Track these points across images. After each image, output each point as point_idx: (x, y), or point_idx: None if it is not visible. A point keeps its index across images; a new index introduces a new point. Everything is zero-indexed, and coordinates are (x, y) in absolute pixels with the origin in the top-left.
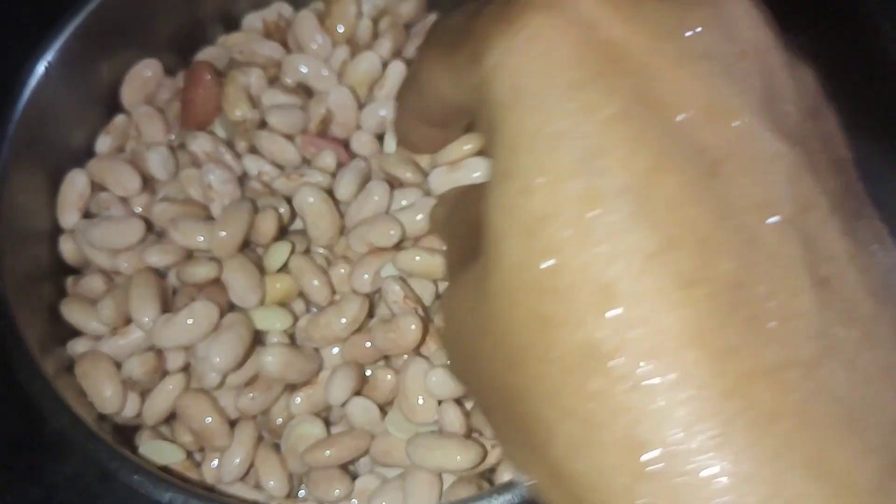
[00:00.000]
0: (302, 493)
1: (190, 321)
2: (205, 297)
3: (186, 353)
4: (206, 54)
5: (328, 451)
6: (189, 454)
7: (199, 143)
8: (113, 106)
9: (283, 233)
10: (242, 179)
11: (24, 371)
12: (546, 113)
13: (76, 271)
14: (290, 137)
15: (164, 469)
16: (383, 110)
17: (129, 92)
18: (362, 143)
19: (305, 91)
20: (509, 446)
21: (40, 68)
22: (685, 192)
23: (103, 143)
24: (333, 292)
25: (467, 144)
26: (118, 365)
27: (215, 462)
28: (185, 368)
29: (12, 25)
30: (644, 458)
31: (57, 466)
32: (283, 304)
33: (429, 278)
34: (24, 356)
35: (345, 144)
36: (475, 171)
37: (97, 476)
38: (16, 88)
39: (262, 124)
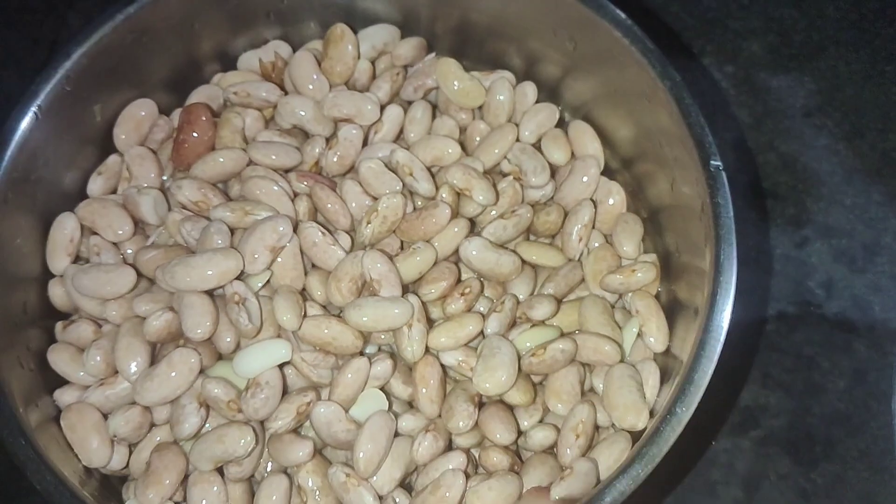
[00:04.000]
0: None
1: (171, 375)
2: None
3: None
4: (201, 94)
5: None
6: None
7: (185, 192)
8: (107, 146)
9: None
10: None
11: (7, 430)
12: None
13: (66, 315)
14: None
15: None
16: (380, 153)
17: (123, 132)
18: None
19: (301, 132)
20: None
21: (30, 112)
22: None
23: (95, 184)
24: None
25: None
26: (105, 416)
27: None
28: None
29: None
30: None
31: None
32: None
33: None
34: (7, 412)
35: (332, 186)
36: None
37: None
38: (5, 133)
39: None
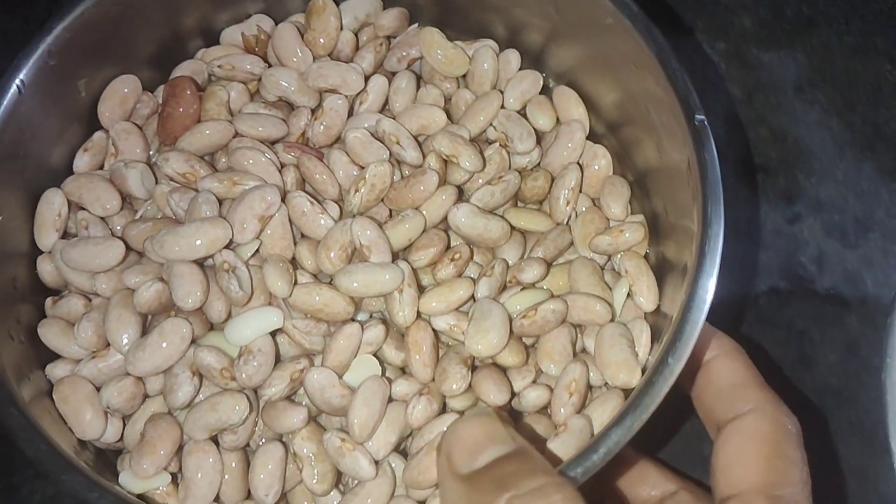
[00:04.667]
0: None
1: (162, 345)
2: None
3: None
4: (185, 68)
5: None
6: (174, 477)
7: (172, 164)
8: (91, 122)
9: None
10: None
11: None
12: None
13: (55, 292)
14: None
15: (143, 497)
16: (366, 123)
17: (108, 108)
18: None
19: (286, 105)
20: None
21: (13, 86)
22: None
23: (81, 161)
24: None
25: None
26: (98, 389)
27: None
28: None
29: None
30: None
31: (36, 485)
32: None
33: None
34: None
35: (320, 156)
36: None
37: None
38: None
39: None
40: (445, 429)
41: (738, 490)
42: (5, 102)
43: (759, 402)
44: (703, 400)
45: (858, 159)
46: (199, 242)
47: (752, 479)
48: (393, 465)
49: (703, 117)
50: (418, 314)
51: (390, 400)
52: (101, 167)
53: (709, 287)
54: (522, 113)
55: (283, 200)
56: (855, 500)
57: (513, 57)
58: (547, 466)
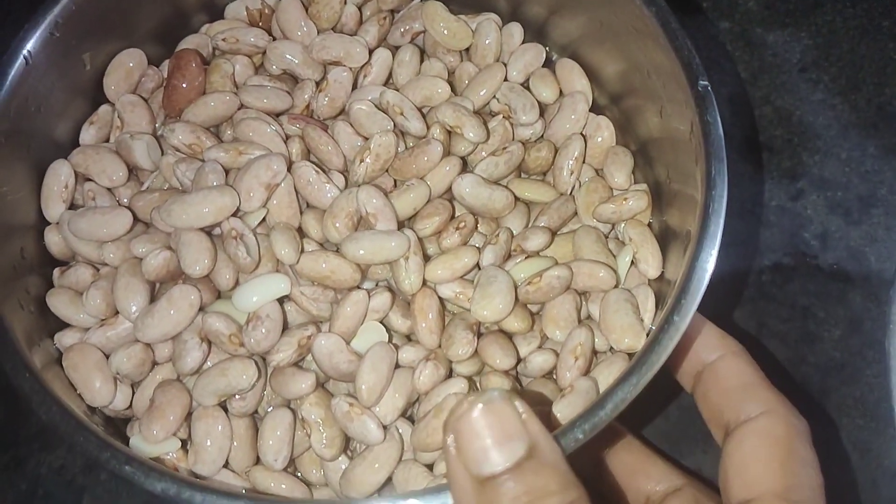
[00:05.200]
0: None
1: (171, 312)
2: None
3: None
4: (189, 42)
5: None
6: (183, 443)
7: (178, 135)
8: (97, 97)
9: None
10: None
11: (11, 363)
12: None
13: (63, 263)
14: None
15: (156, 460)
16: (370, 95)
17: (113, 82)
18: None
19: (291, 78)
20: None
21: (20, 57)
22: None
23: (87, 134)
24: None
25: None
26: (106, 356)
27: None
28: None
29: (6, 20)
30: None
31: (42, 458)
32: None
33: None
34: (11, 348)
35: (324, 128)
36: None
37: (82, 468)
38: None
39: None
40: (455, 408)
41: (754, 493)
42: (13, 73)
43: (771, 403)
44: (710, 400)
45: (862, 138)
46: (206, 210)
47: (769, 483)
48: (400, 430)
49: (706, 83)
50: (424, 282)
51: (397, 366)
52: (107, 140)
53: (714, 247)
54: (526, 85)
55: (288, 170)
56: (859, 473)
57: (516, 30)
58: (560, 471)
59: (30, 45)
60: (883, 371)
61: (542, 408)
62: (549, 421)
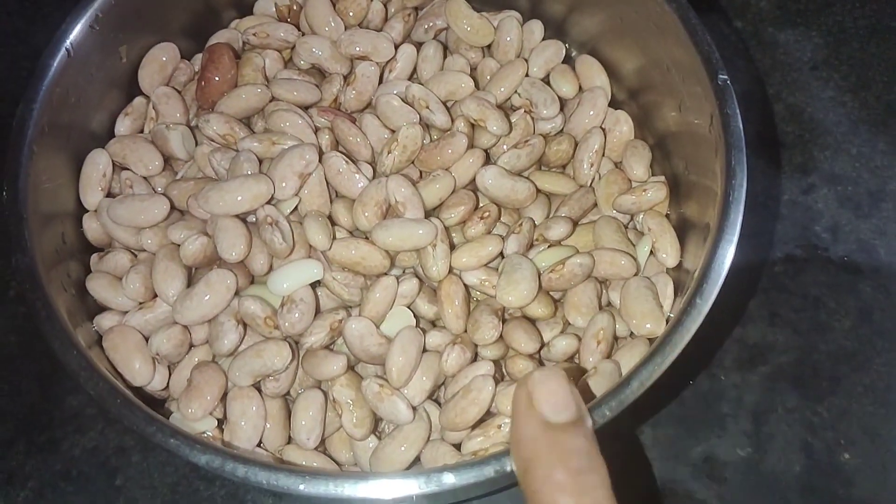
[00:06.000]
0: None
1: (208, 296)
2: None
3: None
4: (220, 37)
5: None
6: (219, 422)
7: (213, 126)
8: (131, 89)
9: None
10: None
11: (59, 342)
12: None
13: (99, 249)
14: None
15: None
16: (396, 89)
17: (148, 75)
18: (371, 126)
19: (318, 72)
20: None
21: (62, 50)
22: None
23: (123, 125)
24: None
25: None
26: (145, 338)
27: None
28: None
29: (37, 16)
30: None
31: (76, 439)
32: None
33: None
34: (58, 328)
35: (352, 119)
36: None
37: (115, 449)
38: (38, 71)
39: None
40: (530, 374)
41: None
42: (55, 64)
43: None
44: None
45: (872, 135)
46: (241, 198)
47: None
48: (427, 411)
49: (725, 76)
50: (450, 269)
51: (424, 350)
52: (141, 131)
53: (734, 234)
54: (546, 81)
55: (319, 160)
56: (868, 458)
57: (536, 27)
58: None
59: (71, 38)
60: (893, 360)
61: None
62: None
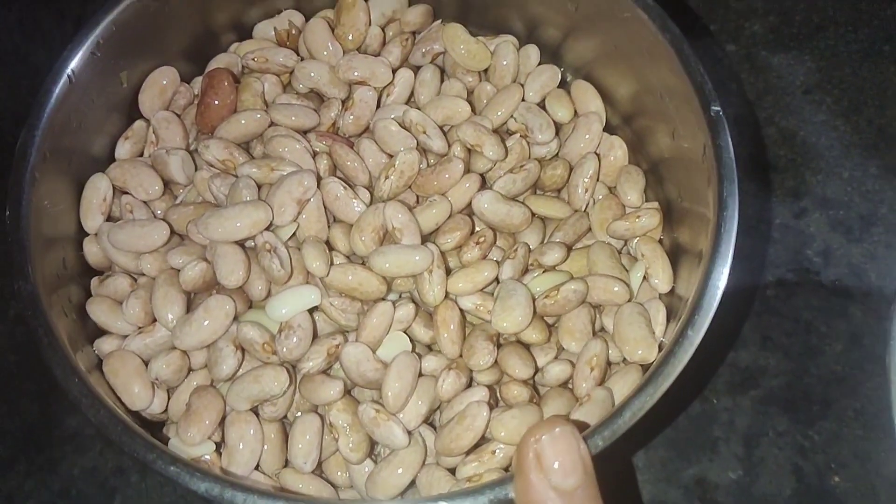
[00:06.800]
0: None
1: (207, 321)
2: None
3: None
4: (219, 61)
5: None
6: (217, 446)
7: (212, 151)
8: (131, 113)
9: None
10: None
11: (61, 369)
12: None
13: (100, 272)
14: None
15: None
16: (394, 113)
17: (148, 98)
18: (368, 151)
19: (317, 96)
20: None
21: (64, 77)
22: None
23: (123, 148)
24: None
25: None
26: (145, 362)
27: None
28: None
29: (36, 35)
30: None
31: (75, 459)
32: None
33: None
34: (59, 354)
35: (350, 144)
36: None
37: (114, 469)
38: (40, 97)
39: None
40: (535, 430)
41: None
42: (57, 91)
43: None
44: None
45: (864, 159)
46: (240, 224)
47: None
48: (423, 435)
49: (718, 108)
50: (446, 294)
51: (420, 375)
52: (141, 155)
53: (726, 265)
54: (542, 105)
55: (317, 186)
56: (858, 482)
57: (532, 52)
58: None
59: (73, 65)
60: (883, 384)
61: (559, 415)
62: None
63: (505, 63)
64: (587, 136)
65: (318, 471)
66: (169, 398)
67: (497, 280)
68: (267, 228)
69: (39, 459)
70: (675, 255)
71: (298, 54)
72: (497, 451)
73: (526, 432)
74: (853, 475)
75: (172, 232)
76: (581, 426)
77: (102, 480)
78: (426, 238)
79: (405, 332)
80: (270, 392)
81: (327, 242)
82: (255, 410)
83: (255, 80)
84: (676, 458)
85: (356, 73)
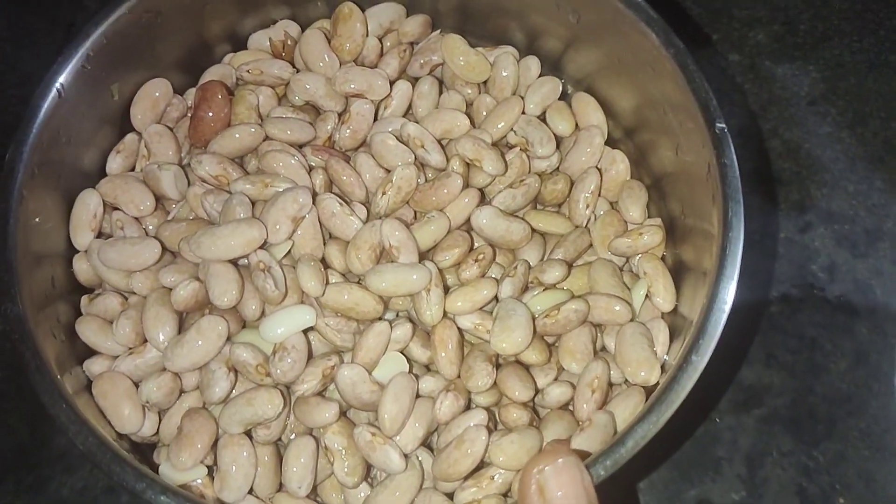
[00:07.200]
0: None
1: (199, 343)
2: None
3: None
4: (214, 73)
5: None
6: (209, 470)
7: (205, 166)
8: (123, 125)
9: None
10: None
11: (48, 395)
12: None
13: (90, 290)
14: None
15: (183, 487)
16: (391, 127)
17: (140, 111)
18: (365, 165)
19: (313, 109)
20: None
21: (53, 91)
22: None
23: (115, 162)
24: None
25: None
26: (135, 384)
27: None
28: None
29: (26, 42)
30: None
31: (65, 479)
32: None
33: None
34: (47, 378)
35: (346, 158)
36: None
37: (103, 489)
38: (29, 112)
39: None
40: (538, 460)
41: None
42: (45, 105)
43: None
44: None
45: (869, 172)
46: (234, 243)
47: None
48: (420, 458)
49: (723, 125)
50: (444, 313)
51: (417, 396)
52: (133, 168)
53: (731, 288)
54: (542, 118)
55: (312, 202)
56: (863, 501)
57: (533, 63)
58: None
59: (62, 79)
60: (889, 404)
61: (559, 439)
62: None
63: (505, 75)
64: (588, 150)
65: (314, 495)
66: (160, 421)
67: (496, 298)
68: (261, 247)
69: (28, 479)
70: (678, 273)
71: (294, 66)
72: (496, 476)
73: (528, 462)
74: (858, 496)
75: (164, 249)
76: (583, 455)
77: (92, 500)
78: (424, 255)
79: (402, 352)
80: (264, 415)
81: (323, 260)
82: (248, 433)
83: (249, 93)
84: (679, 478)
85: (353, 86)
